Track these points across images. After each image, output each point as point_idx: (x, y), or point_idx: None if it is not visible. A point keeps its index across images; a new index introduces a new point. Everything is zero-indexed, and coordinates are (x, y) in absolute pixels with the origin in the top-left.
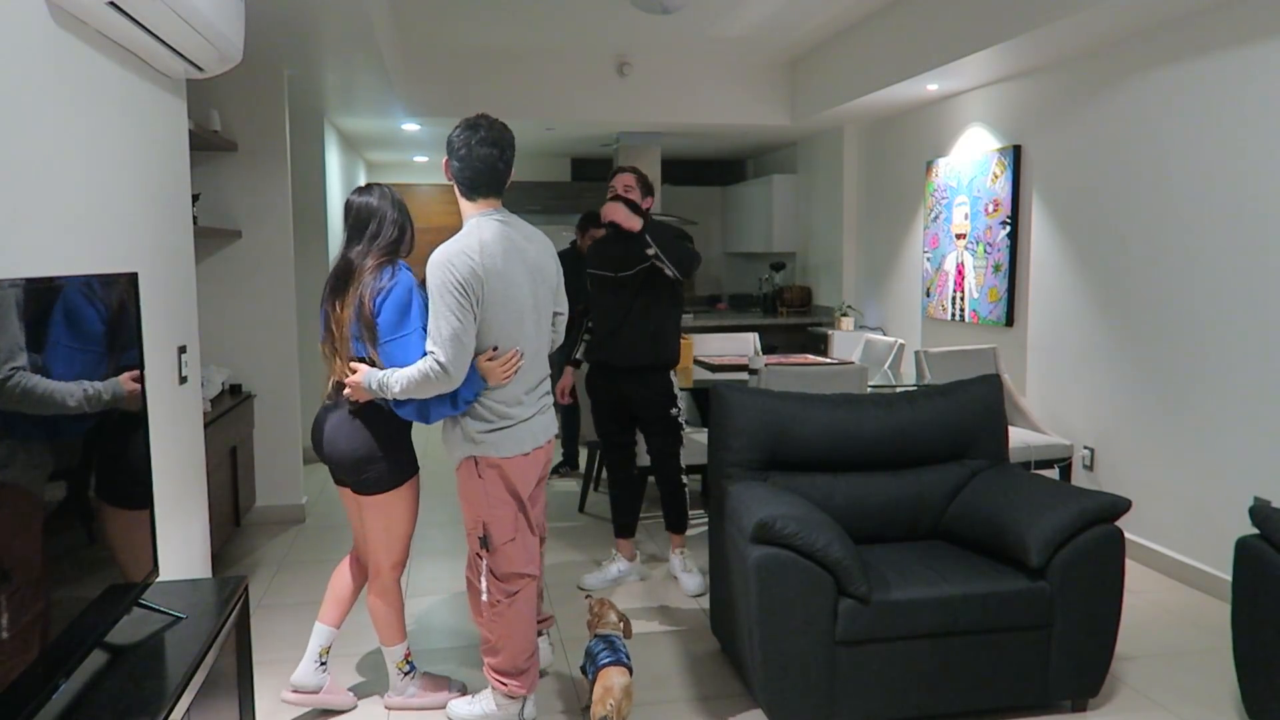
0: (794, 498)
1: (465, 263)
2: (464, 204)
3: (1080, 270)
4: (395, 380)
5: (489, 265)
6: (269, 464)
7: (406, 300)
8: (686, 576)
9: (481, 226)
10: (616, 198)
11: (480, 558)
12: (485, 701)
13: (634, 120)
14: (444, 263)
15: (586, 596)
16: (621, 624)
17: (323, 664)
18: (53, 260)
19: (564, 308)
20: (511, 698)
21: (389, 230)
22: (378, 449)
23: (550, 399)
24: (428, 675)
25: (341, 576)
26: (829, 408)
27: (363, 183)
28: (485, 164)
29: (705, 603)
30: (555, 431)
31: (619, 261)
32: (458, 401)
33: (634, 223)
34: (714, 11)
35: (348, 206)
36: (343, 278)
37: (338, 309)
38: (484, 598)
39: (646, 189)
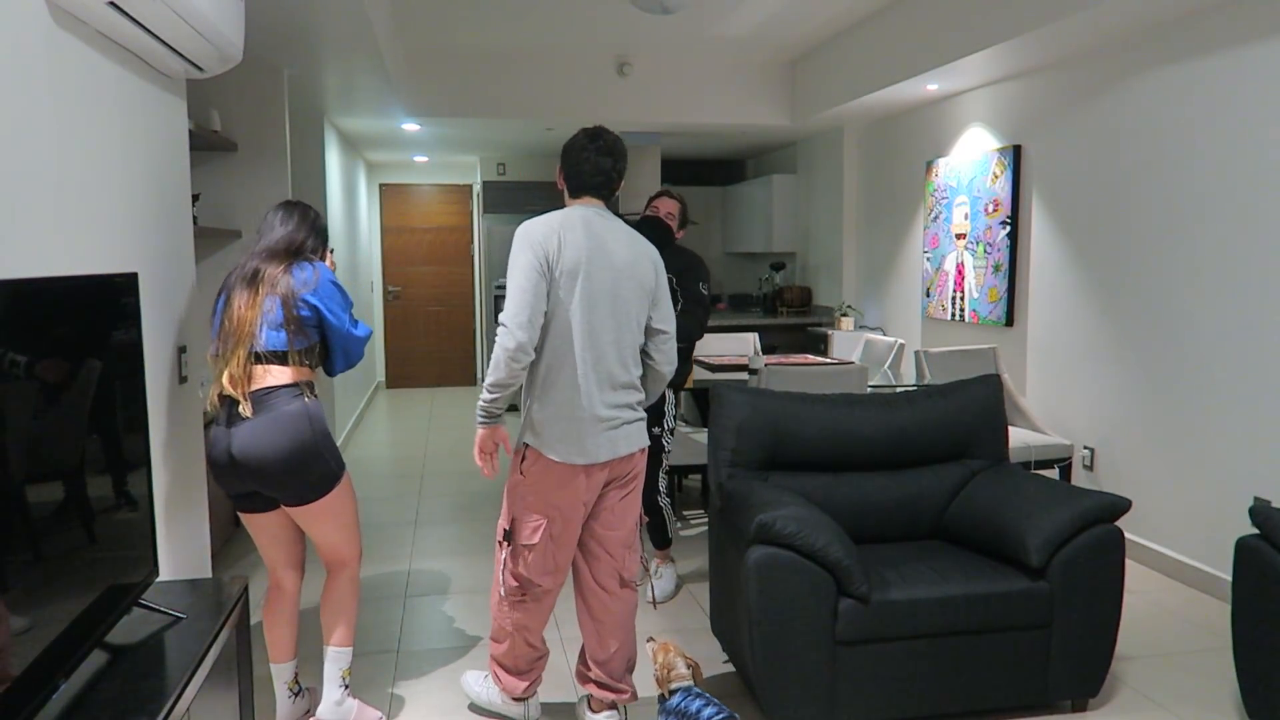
0: (794, 498)
1: (541, 230)
2: (568, 201)
3: (1080, 270)
4: (488, 384)
5: (567, 237)
6: None
7: (329, 275)
8: (655, 581)
9: (571, 208)
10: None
11: (500, 546)
12: (495, 686)
13: (634, 120)
14: (522, 232)
15: (649, 641)
16: (692, 670)
17: (295, 693)
18: (52, 260)
19: (665, 324)
20: (507, 693)
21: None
22: (315, 445)
23: (630, 413)
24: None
25: (267, 620)
26: (829, 408)
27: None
28: (599, 170)
29: (706, 603)
30: (624, 452)
31: None
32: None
33: None
34: (714, 11)
35: (266, 215)
36: (252, 280)
37: (241, 307)
38: (500, 589)
39: (683, 221)
